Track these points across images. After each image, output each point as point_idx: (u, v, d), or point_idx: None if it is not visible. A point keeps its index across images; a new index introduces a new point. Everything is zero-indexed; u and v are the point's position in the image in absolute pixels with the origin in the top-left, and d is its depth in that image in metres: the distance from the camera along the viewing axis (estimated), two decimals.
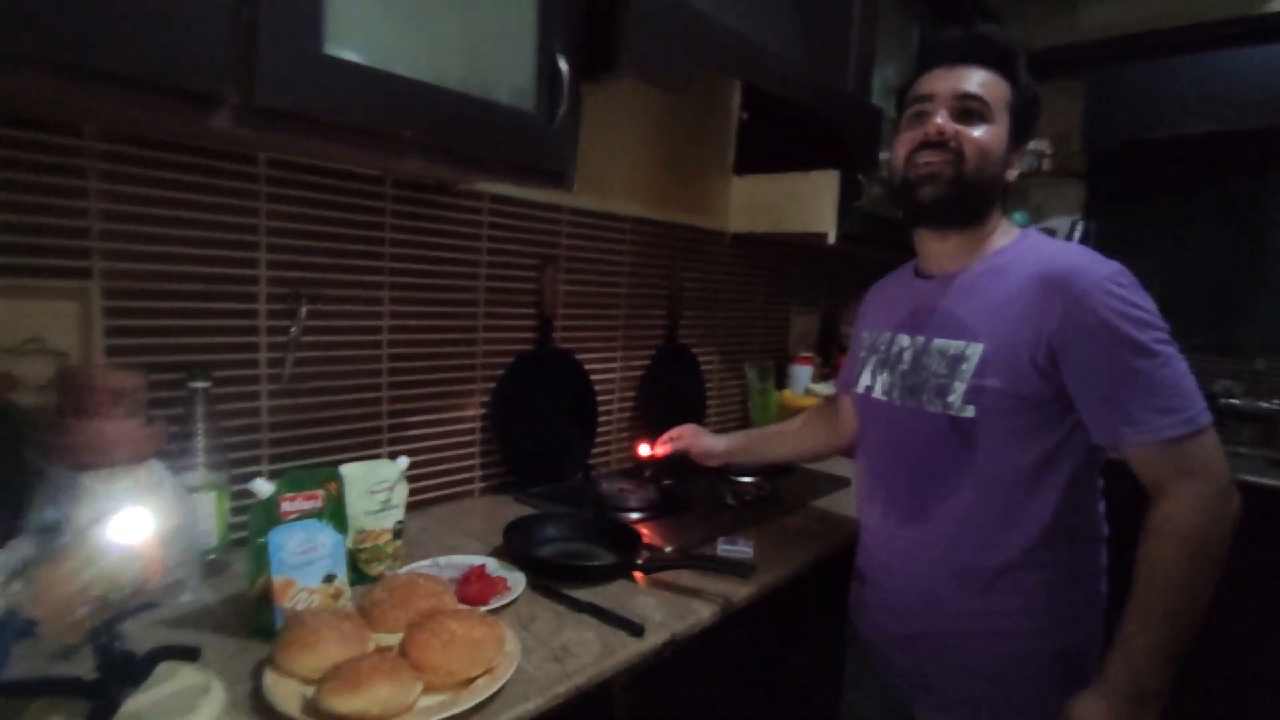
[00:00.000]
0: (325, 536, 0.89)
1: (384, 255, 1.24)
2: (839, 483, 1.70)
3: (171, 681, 0.64)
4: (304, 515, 0.89)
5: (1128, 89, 2.47)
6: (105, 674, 0.60)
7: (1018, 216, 2.83)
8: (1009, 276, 0.96)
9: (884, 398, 1.07)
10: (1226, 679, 2.09)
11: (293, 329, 1.12)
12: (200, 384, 1.00)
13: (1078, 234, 2.74)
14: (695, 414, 1.98)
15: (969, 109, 0.97)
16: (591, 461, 1.64)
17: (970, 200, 0.99)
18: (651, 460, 1.42)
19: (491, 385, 1.45)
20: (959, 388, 0.96)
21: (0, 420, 0.86)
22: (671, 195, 1.82)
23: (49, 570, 0.57)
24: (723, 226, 1.99)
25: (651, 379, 1.82)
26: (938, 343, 1.01)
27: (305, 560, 0.87)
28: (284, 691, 0.72)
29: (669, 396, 1.87)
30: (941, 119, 0.97)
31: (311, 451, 1.18)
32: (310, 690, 0.71)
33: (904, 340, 1.06)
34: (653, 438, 1.42)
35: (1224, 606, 2.02)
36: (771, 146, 1.93)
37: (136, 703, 0.60)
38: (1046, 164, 2.74)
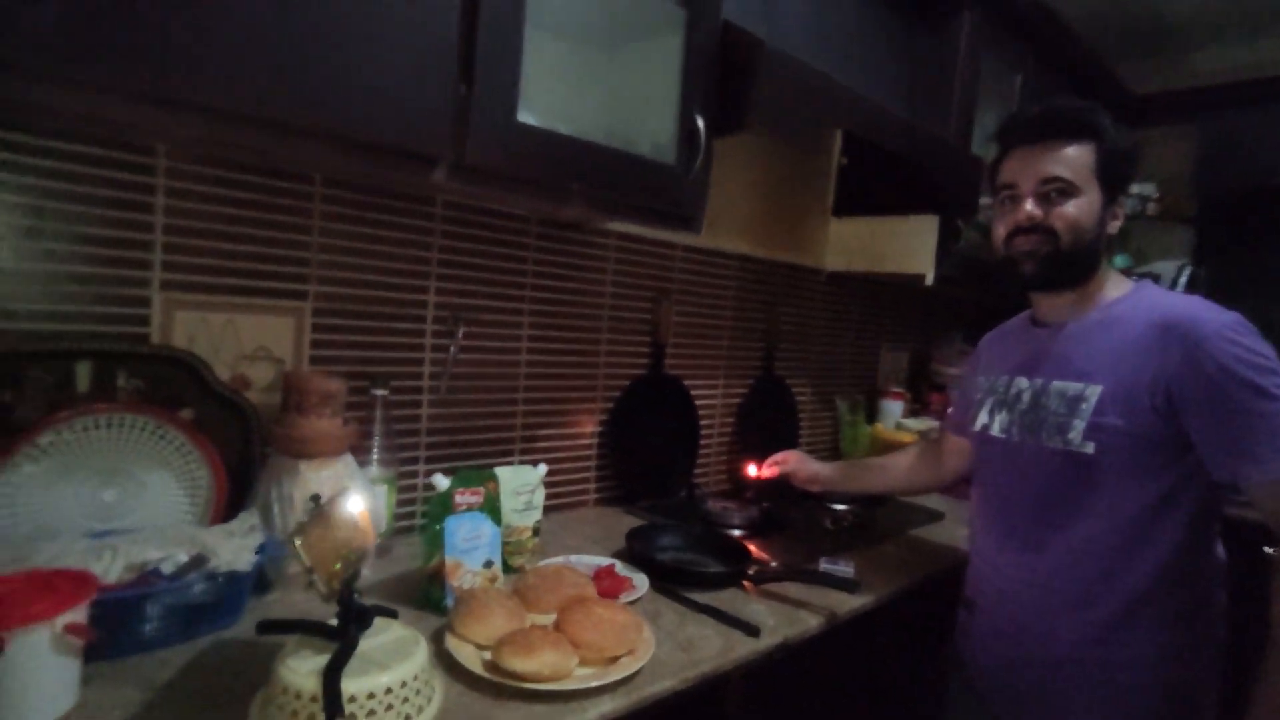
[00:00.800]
0: (486, 527, 1.04)
1: (526, 285, 1.40)
2: (933, 515, 1.75)
3: (386, 633, 0.79)
4: (471, 508, 1.03)
5: (1243, 135, 2.44)
6: (345, 620, 0.74)
7: (1119, 260, 2.81)
8: (1126, 324, 1.02)
9: (1002, 435, 1.13)
10: None
11: (451, 348, 1.29)
12: (380, 391, 1.17)
13: (1184, 279, 2.70)
14: (788, 443, 2.06)
15: (1060, 188, 1.02)
16: (695, 480, 1.76)
17: (1072, 268, 1.06)
18: (757, 481, 1.52)
19: (609, 405, 1.59)
20: (1078, 425, 1.01)
21: (237, 412, 1.05)
22: (773, 235, 1.93)
23: (315, 530, 0.73)
24: (820, 264, 2.08)
25: (749, 407, 1.92)
26: (1056, 384, 1.06)
27: (471, 546, 1.01)
28: (465, 653, 0.86)
29: (764, 425, 1.96)
30: (1030, 205, 1.04)
31: (459, 455, 1.34)
32: (484, 654, 0.85)
33: (1022, 382, 1.12)
34: (756, 461, 1.52)
35: None
36: (870, 190, 2.03)
37: (366, 645, 0.74)
38: (1151, 208, 2.71)
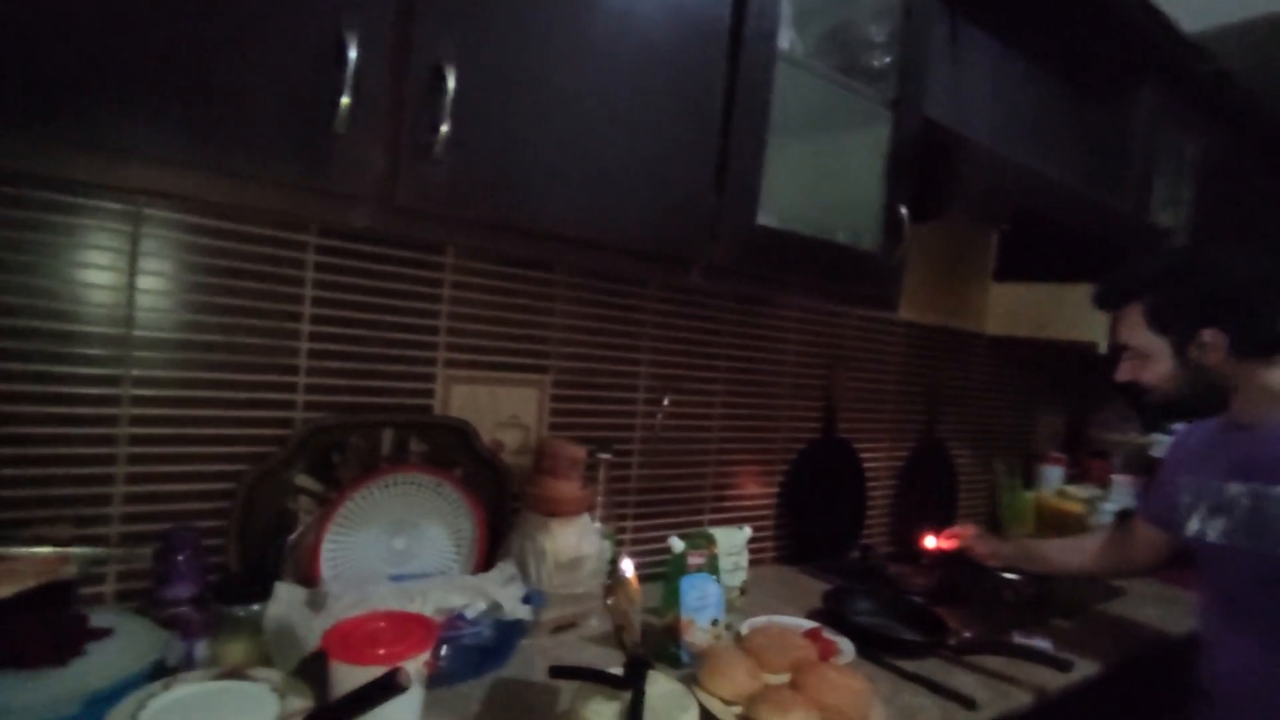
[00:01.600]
0: (712, 587, 1.13)
1: (720, 356, 1.51)
2: (1114, 591, 1.71)
3: (657, 684, 0.89)
4: (699, 569, 1.14)
5: None
6: (634, 670, 0.85)
7: None
8: None
9: (1223, 541, 1.13)
10: None
11: (658, 414, 1.41)
12: (605, 455, 1.30)
13: None
14: (948, 506, 2.07)
15: (1125, 354, 1.18)
16: (865, 541, 1.80)
17: (1194, 404, 1.17)
18: (937, 552, 1.55)
19: (786, 467, 1.66)
20: None
21: (494, 473, 1.20)
22: (936, 300, 1.97)
23: (619, 592, 0.85)
24: (980, 329, 2.10)
25: (911, 469, 1.95)
26: (1275, 490, 1.07)
27: (701, 605, 1.11)
28: (714, 705, 0.95)
29: (925, 487, 1.98)
30: (1124, 368, 1.19)
31: (657, 513, 1.45)
32: (731, 708, 0.94)
33: (1235, 488, 1.12)
34: (934, 531, 1.56)
35: None
36: (1033, 256, 2.04)
37: (653, 693, 0.84)
38: None
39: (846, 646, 1.19)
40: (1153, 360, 1.15)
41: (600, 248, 0.96)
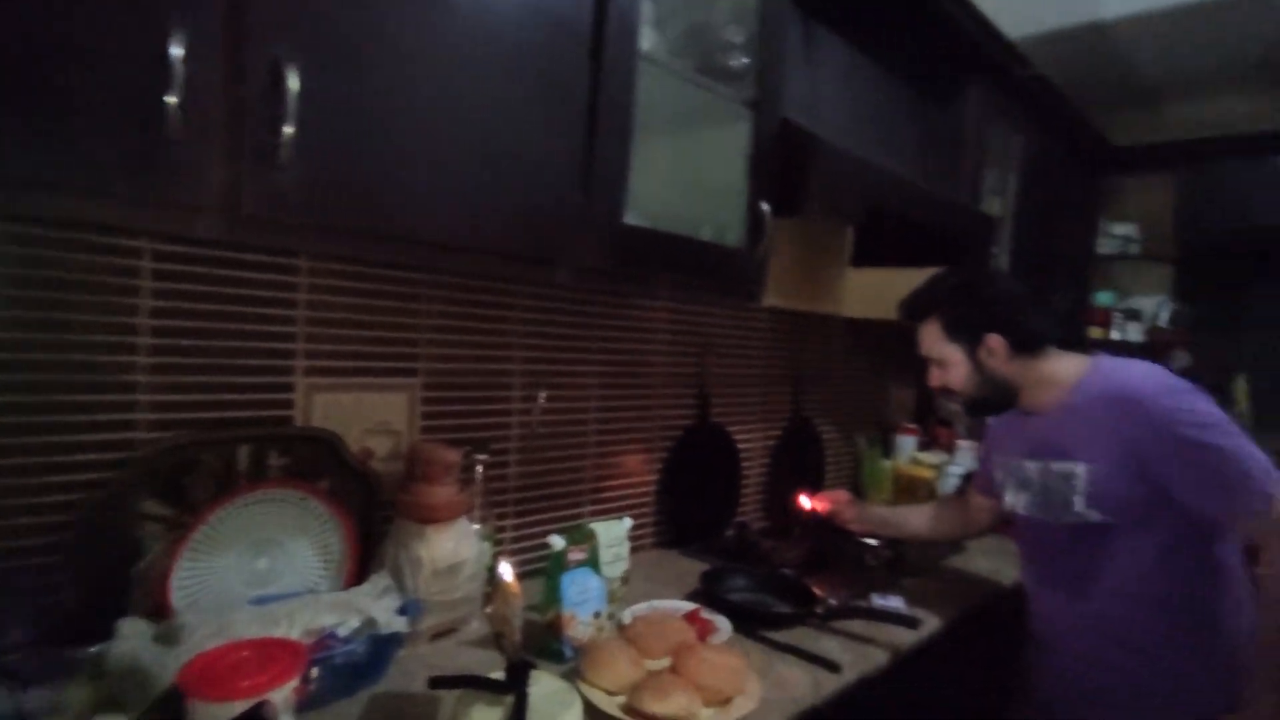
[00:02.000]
0: (593, 581, 1.16)
1: (594, 349, 1.53)
2: (956, 548, 1.89)
3: (540, 684, 0.90)
4: (580, 564, 1.15)
5: (1220, 183, 2.67)
6: (512, 674, 0.86)
7: (1103, 296, 3.02)
8: (1089, 406, 1.21)
9: (1027, 513, 1.32)
10: None
11: (534, 412, 1.41)
12: (481, 457, 1.29)
13: (1165, 313, 2.91)
14: (817, 479, 2.20)
15: (931, 363, 1.34)
16: (740, 519, 1.88)
17: (988, 403, 1.33)
18: (807, 513, 1.65)
19: (663, 454, 1.71)
20: (1078, 499, 1.21)
21: (364, 482, 1.16)
22: (798, 286, 2.08)
23: (497, 598, 0.84)
24: (838, 312, 2.24)
25: (781, 448, 2.06)
26: (1054, 465, 1.24)
27: (583, 599, 1.13)
28: (597, 697, 0.97)
29: (795, 463, 2.10)
30: (933, 374, 1.36)
31: (538, 509, 1.46)
32: (614, 699, 0.97)
33: (1030, 466, 1.30)
34: (808, 494, 1.66)
35: None
36: (885, 243, 2.19)
37: (536, 694, 0.86)
38: (1133, 248, 2.93)
39: (724, 624, 1.26)
40: (952, 366, 1.31)
41: (465, 251, 0.95)
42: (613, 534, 1.30)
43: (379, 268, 1.18)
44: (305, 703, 0.89)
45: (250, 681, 0.75)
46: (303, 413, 1.11)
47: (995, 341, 1.27)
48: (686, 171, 1.31)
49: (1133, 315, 2.96)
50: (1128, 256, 2.94)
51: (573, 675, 1.02)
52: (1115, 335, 2.92)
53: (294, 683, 0.78)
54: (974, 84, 1.99)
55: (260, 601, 1.00)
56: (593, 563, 1.18)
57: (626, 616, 1.22)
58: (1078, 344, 1.33)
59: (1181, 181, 2.76)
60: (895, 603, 1.42)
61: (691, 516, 1.76)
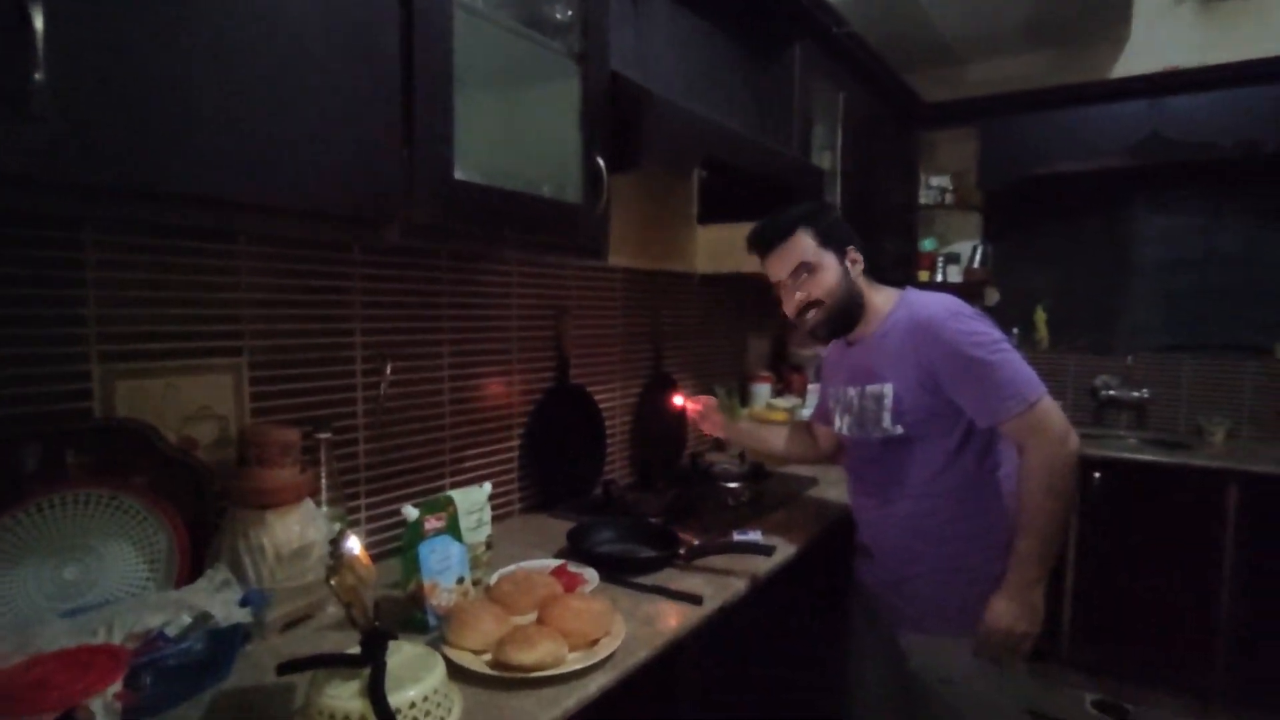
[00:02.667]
0: (454, 548, 1.13)
1: (443, 317, 1.48)
2: (807, 482, 2.02)
3: (400, 653, 0.88)
4: (438, 532, 1.13)
5: (1013, 136, 2.96)
6: (370, 646, 0.83)
7: (927, 243, 3.30)
8: (896, 333, 1.38)
9: (849, 433, 1.49)
10: (1116, 610, 2.55)
11: (381, 385, 1.35)
12: (324, 434, 1.22)
13: (979, 256, 3.22)
14: (679, 434, 2.27)
15: (806, 269, 1.39)
16: (607, 478, 1.91)
17: (848, 316, 1.42)
18: (682, 410, 1.72)
19: (524, 419, 1.70)
20: (887, 416, 1.38)
21: (189, 473, 1.07)
22: (649, 246, 2.12)
23: (342, 572, 0.80)
24: (691, 269, 2.30)
25: (643, 404, 2.11)
26: (868, 388, 1.41)
27: (444, 567, 1.11)
28: (465, 658, 0.96)
29: (657, 419, 2.15)
30: (798, 293, 1.41)
31: (395, 485, 1.40)
32: (481, 658, 0.96)
33: (850, 391, 1.46)
34: (685, 395, 1.71)
35: (1114, 556, 2.49)
36: (729, 199, 2.27)
37: (394, 664, 0.83)
38: (949, 198, 3.21)
39: (592, 575, 1.28)
40: (824, 271, 1.39)
41: (279, 212, 0.88)
42: (472, 500, 1.28)
43: (183, 236, 1.07)
44: (140, 709, 0.82)
45: (60, 692, 0.68)
46: (102, 403, 1.00)
47: (855, 255, 1.43)
48: (521, 127, 1.28)
49: (953, 259, 3.26)
50: (944, 206, 3.23)
51: (438, 642, 1.00)
52: (939, 278, 3.20)
53: (115, 687, 0.71)
54: (799, 42, 2.08)
55: (73, 614, 0.90)
56: (453, 530, 1.16)
57: (494, 580, 1.21)
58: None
59: (982, 135, 3.04)
60: (754, 536, 1.50)
61: (559, 479, 1.77)
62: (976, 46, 3.05)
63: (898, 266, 3.02)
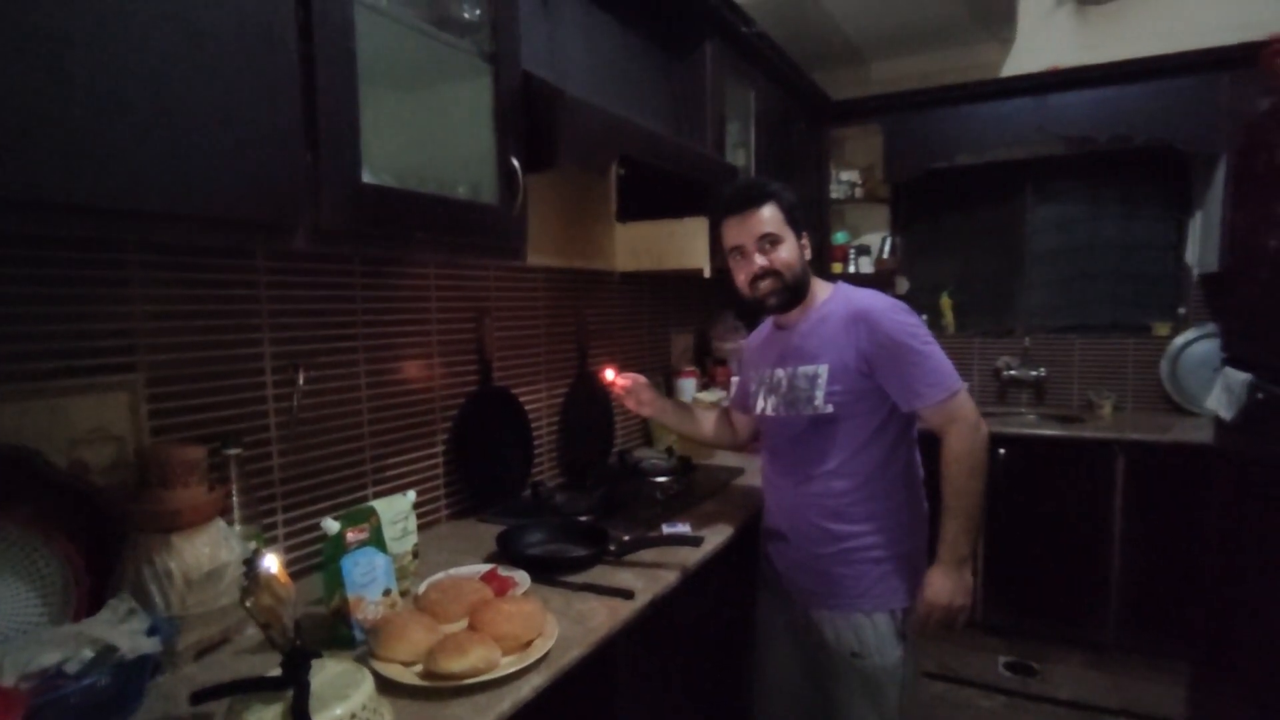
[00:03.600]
0: (378, 559, 1.11)
1: (358, 324, 1.44)
2: (734, 472, 2.07)
3: (325, 671, 0.85)
4: (361, 544, 1.10)
5: (914, 131, 3.10)
6: (291, 667, 0.80)
7: (840, 236, 3.42)
8: (834, 318, 1.46)
9: (774, 413, 1.54)
10: (1025, 576, 2.73)
11: (294, 396, 1.30)
12: (233, 450, 1.17)
13: (887, 247, 3.37)
14: (607, 432, 2.28)
15: (770, 240, 1.44)
16: (536, 479, 1.90)
17: (797, 292, 1.49)
18: (611, 386, 1.66)
19: (448, 424, 1.67)
20: (819, 395, 1.45)
21: (83, 499, 1.00)
22: (569, 245, 2.12)
23: (258, 591, 0.77)
24: (612, 267, 2.31)
25: (569, 404, 2.10)
26: (801, 369, 1.48)
27: (368, 579, 1.08)
28: (394, 670, 0.94)
29: (584, 417, 2.16)
30: (759, 259, 1.45)
31: (314, 498, 1.36)
32: (411, 669, 0.95)
33: (779, 373, 1.53)
34: (614, 367, 1.69)
35: (1021, 527, 2.64)
36: (647, 197, 2.29)
37: (318, 684, 0.81)
38: (858, 192, 3.34)
39: (523, 578, 1.27)
40: (785, 245, 1.45)
41: (175, 220, 0.83)
42: (396, 509, 1.25)
43: (67, 249, 1.00)
44: None
45: None
46: None
47: (806, 241, 1.51)
48: (433, 129, 1.26)
49: (864, 251, 3.39)
50: (854, 199, 3.35)
51: (367, 658, 0.97)
52: (851, 269, 3.32)
53: None
54: (709, 41, 2.11)
55: None
56: (376, 541, 1.13)
57: (422, 588, 1.19)
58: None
59: (887, 130, 3.18)
60: (683, 528, 1.53)
61: (486, 483, 1.74)
62: (879, 47, 3.19)
63: (812, 259, 3.11)
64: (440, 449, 1.66)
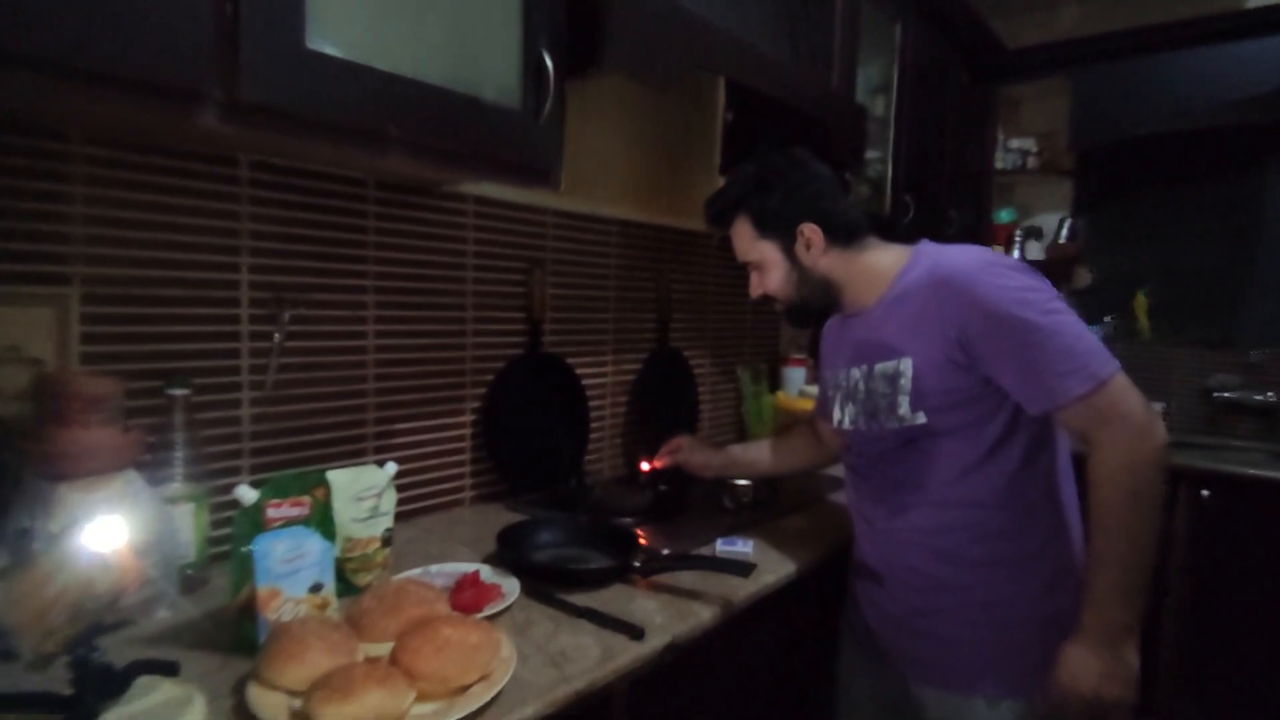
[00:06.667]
0: (313, 544, 0.86)
1: (368, 259, 1.22)
2: (835, 484, 1.68)
3: (151, 695, 0.62)
4: (291, 522, 0.86)
5: (1113, 87, 2.48)
6: (81, 687, 0.57)
7: (1004, 214, 2.85)
8: (913, 294, 1.04)
9: (852, 426, 1.14)
10: (1224, 666, 2.09)
11: (276, 335, 1.10)
12: (179, 391, 0.97)
13: (1065, 230, 2.76)
14: (689, 419, 1.96)
15: (751, 268, 1.17)
16: (585, 468, 1.62)
17: (814, 303, 1.14)
18: (652, 473, 1.42)
19: (482, 391, 1.42)
20: (904, 400, 1.03)
21: None
22: (657, 197, 1.81)
23: (24, 577, 0.55)
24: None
25: (643, 383, 1.80)
26: (877, 367, 1.07)
27: (292, 569, 0.84)
28: (270, 704, 0.69)
29: (662, 401, 1.85)
30: (753, 283, 1.18)
31: (295, 461, 1.15)
32: (298, 702, 0.69)
33: (854, 373, 1.12)
34: (650, 449, 1.42)
35: (1226, 596, 2.02)
36: (758, 146, 1.92)
37: (116, 716, 0.57)
38: (1031, 162, 2.75)
39: (511, 588, 0.99)
40: (770, 267, 1.14)
41: (27, 66, 0.62)
42: (364, 483, 1.01)
43: None
44: None
45: None
46: None
47: (810, 231, 1.11)
48: (448, 9, 0.99)
49: (1034, 234, 2.80)
50: (1026, 171, 2.77)
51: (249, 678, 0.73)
52: (1016, 255, 2.75)
53: None
54: None
55: None
56: (320, 521, 0.89)
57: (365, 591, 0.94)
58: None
59: (1076, 86, 2.57)
60: (742, 548, 1.19)
61: (524, 465, 1.48)
62: None
63: (965, 240, 2.59)
64: (469, 419, 1.41)
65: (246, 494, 0.83)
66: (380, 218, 1.22)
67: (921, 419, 1.02)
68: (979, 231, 2.72)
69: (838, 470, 1.73)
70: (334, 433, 1.20)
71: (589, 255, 1.63)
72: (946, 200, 2.44)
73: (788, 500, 1.52)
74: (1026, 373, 0.95)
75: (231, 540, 0.83)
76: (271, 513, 0.84)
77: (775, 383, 2.26)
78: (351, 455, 1.22)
